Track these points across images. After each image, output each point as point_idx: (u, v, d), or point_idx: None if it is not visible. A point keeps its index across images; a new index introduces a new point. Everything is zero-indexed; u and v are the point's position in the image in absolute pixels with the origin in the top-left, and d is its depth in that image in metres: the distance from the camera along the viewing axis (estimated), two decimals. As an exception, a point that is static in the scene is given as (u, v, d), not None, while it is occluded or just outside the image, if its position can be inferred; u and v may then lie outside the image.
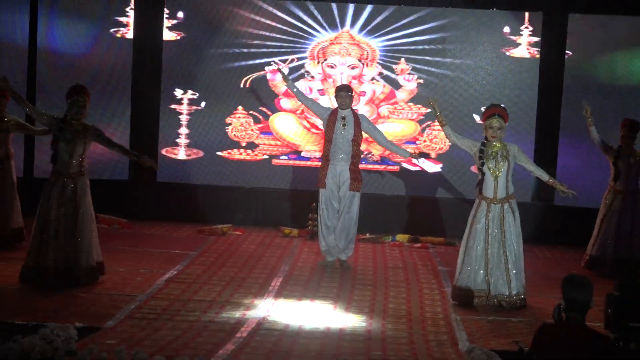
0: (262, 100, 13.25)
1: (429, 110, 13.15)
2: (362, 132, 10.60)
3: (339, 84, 12.89)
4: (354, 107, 12.95)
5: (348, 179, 10.47)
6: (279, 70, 11.42)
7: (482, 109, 10.07)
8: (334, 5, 13.21)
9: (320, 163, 10.85)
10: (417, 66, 13.22)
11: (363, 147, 13.16)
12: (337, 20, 13.22)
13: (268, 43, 13.27)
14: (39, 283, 8.92)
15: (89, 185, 9.27)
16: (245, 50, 13.31)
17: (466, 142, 9.24)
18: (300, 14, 13.24)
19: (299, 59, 13.30)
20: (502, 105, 9.43)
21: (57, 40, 13.13)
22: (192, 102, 13.38)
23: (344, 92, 10.55)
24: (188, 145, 13.44)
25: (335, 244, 10.55)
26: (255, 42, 13.29)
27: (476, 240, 8.98)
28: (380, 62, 13.25)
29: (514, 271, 8.91)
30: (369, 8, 13.17)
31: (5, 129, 10.69)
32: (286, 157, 13.36)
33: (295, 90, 10.86)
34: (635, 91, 12.79)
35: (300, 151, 13.31)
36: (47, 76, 13.08)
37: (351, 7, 13.18)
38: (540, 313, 8.70)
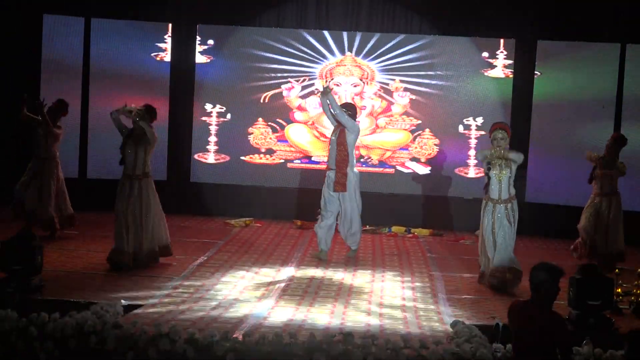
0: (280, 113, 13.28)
1: (420, 121, 13.17)
2: (347, 137, 10.06)
3: (343, 99, 12.89)
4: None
5: (332, 182, 10.19)
6: (325, 89, 10.33)
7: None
8: (341, 34, 13.19)
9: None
10: (409, 85, 13.19)
11: (364, 152, 13.19)
12: (343, 46, 13.19)
13: (284, 65, 13.26)
14: (119, 266, 8.93)
15: (152, 186, 9.22)
16: (264, 71, 13.29)
17: (483, 154, 9.09)
18: (312, 41, 13.22)
19: (310, 78, 13.28)
20: (504, 122, 9.21)
21: (106, 62, 13.13)
22: (220, 114, 13.37)
23: None
24: (216, 151, 13.43)
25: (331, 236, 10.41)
26: (274, 64, 13.27)
27: (486, 235, 8.93)
28: (379, 81, 13.23)
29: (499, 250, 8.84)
30: (369, 36, 13.14)
31: (56, 135, 10.67)
32: (299, 161, 13.34)
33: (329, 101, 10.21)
34: (596, 107, 12.70)
35: (311, 156, 13.29)
36: (98, 92, 13.08)
37: (354, 35, 13.16)
38: (513, 294, 8.66)
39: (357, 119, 10.39)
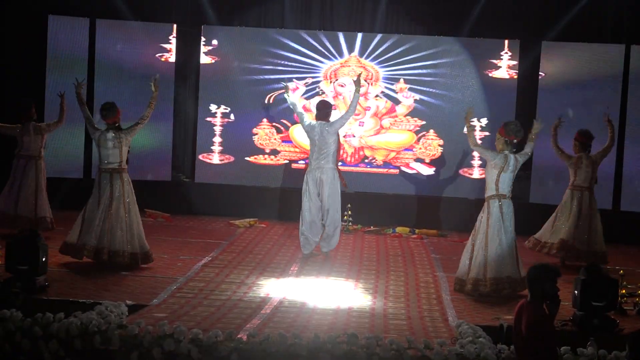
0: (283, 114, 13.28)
1: (424, 122, 13.16)
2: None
3: (348, 100, 12.87)
4: (361, 119, 13.04)
5: None
6: (285, 86, 10.80)
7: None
8: (345, 35, 13.20)
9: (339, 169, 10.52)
10: (414, 85, 13.19)
11: (368, 153, 13.21)
12: (348, 46, 13.19)
13: (289, 66, 13.25)
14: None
15: (96, 181, 9.28)
16: (269, 71, 13.29)
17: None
18: (316, 42, 13.22)
19: (314, 79, 13.28)
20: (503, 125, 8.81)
21: (111, 63, 13.13)
22: (224, 115, 13.37)
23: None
24: (221, 152, 13.42)
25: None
26: (278, 65, 13.27)
27: None
28: (383, 82, 13.23)
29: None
30: (373, 37, 13.13)
31: (41, 132, 10.62)
32: (303, 162, 13.32)
33: (291, 101, 10.68)
34: (599, 108, 12.67)
35: (315, 157, 13.27)
36: (103, 93, 13.06)
37: (359, 36, 13.15)
38: (518, 296, 8.64)
39: (328, 118, 10.22)
